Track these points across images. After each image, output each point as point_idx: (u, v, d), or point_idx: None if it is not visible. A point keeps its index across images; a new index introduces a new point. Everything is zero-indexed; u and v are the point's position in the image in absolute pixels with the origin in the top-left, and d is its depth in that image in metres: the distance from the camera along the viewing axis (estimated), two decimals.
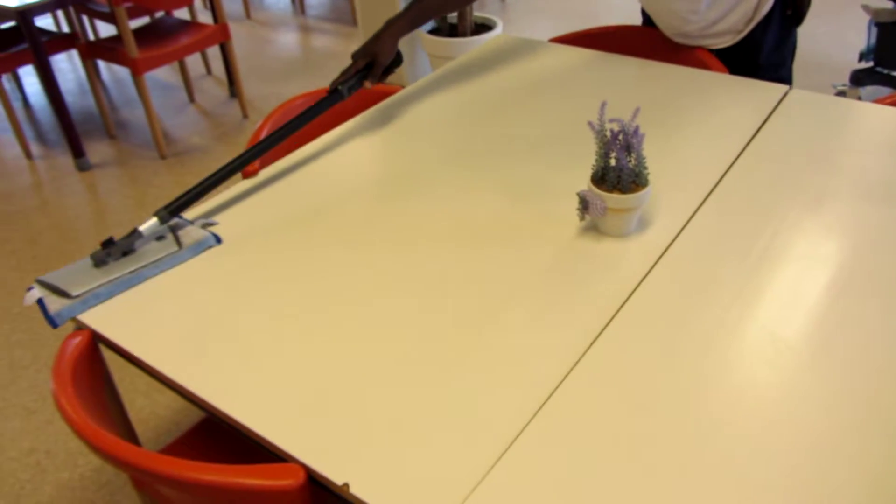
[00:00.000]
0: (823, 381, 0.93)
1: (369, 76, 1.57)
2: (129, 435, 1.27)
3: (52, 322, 1.09)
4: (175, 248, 1.22)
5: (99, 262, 1.18)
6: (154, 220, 1.25)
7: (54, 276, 1.17)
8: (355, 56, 1.57)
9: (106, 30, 4.43)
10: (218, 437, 1.27)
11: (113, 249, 1.19)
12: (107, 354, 1.14)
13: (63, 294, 1.13)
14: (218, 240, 1.26)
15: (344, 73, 1.57)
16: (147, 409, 2.01)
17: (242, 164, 1.38)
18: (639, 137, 1.14)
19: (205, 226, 1.29)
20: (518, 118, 1.60)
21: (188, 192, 1.29)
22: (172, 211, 1.27)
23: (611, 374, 0.96)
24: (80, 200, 3.04)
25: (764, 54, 1.80)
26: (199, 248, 1.24)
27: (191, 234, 1.26)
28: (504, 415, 0.91)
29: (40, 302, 1.12)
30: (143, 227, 1.23)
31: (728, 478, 0.82)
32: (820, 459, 0.83)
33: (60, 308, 1.11)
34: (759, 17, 1.74)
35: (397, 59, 1.61)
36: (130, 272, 1.17)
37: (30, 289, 1.14)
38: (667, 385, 0.94)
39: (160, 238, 1.25)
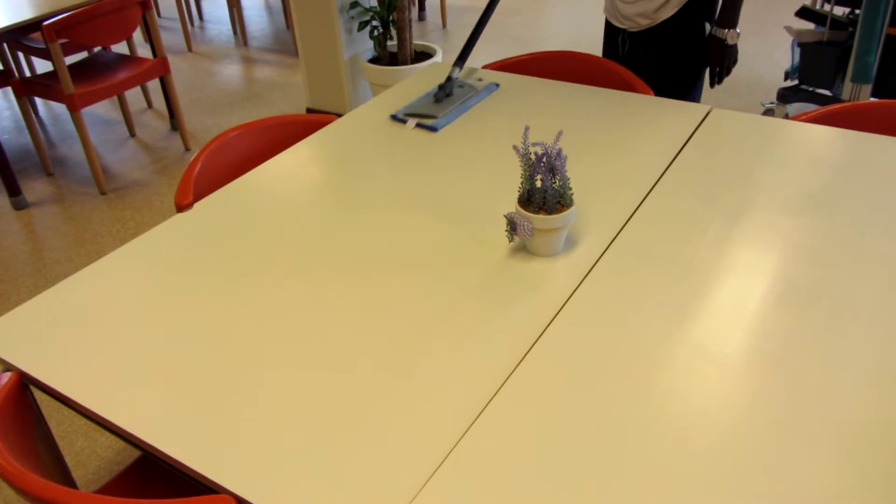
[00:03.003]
0: (747, 388, 0.97)
1: None
2: (64, 477, 1.24)
3: (434, 129, 1.68)
4: (473, 90, 1.83)
5: (438, 99, 1.79)
6: (455, 69, 1.84)
7: (415, 108, 1.77)
8: None
9: (42, 66, 4.36)
10: (154, 473, 1.25)
11: (445, 90, 1.79)
12: (41, 396, 1.12)
13: (431, 117, 1.71)
14: (496, 85, 1.88)
15: None
16: (87, 450, 1.96)
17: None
18: (562, 159, 1.17)
19: (479, 80, 1.91)
20: (448, 143, 1.63)
21: (467, 44, 1.86)
22: (461, 58, 1.84)
23: (539, 389, 0.98)
24: (17, 240, 2.97)
25: (664, 63, 1.97)
26: (489, 91, 1.85)
27: (476, 85, 1.87)
28: (435, 435, 0.92)
29: (419, 124, 1.69)
30: (453, 74, 1.82)
31: (655, 483, 0.84)
32: (744, 466, 0.87)
33: (435, 122, 1.69)
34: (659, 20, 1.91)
35: None
36: (462, 102, 1.78)
37: (402, 121, 1.71)
38: (593, 398, 0.96)
39: (461, 86, 1.85)
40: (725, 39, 1.86)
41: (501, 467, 0.88)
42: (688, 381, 0.98)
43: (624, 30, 2.02)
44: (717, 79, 1.93)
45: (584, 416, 0.94)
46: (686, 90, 2.00)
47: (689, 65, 1.97)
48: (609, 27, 2.10)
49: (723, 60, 1.90)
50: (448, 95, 1.79)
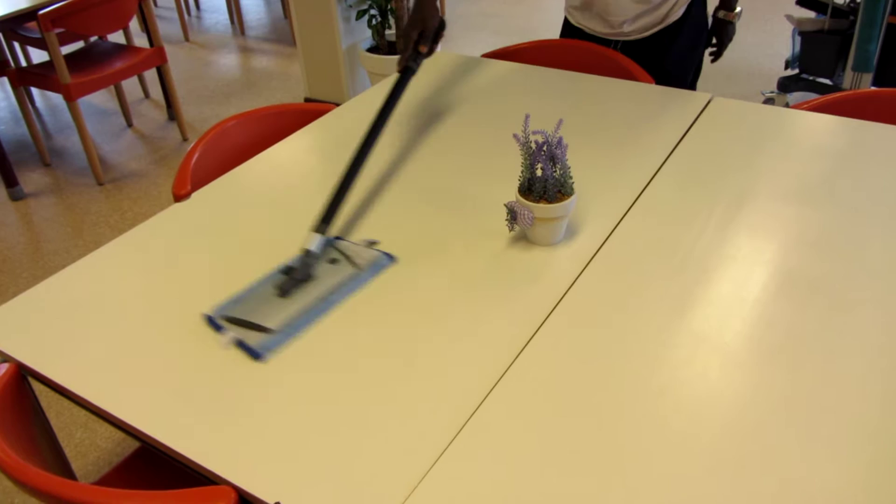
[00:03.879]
0: (748, 377, 0.96)
1: (421, 41, 1.59)
2: (63, 468, 1.24)
3: (258, 356, 1.04)
4: (351, 269, 1.17)
5: (284, 291, 1.13)
6: (317, 236, 1.19)
7: (241, 310, 1.11)
8: (405, 31, 1.59)
9: (38, 56, 4.34)
10: (153, 464, 1.25)
11: (296, 275, 1.14)
12: (40, 387, 1.11)
13: (261, 329, 1.07)
14: (391, 258, 1.21)
15: (402, 51, 1.60)
16: (87, 441, 1.96)
17: (364, 156, 1.37)
18: (562, 148, 1.16)
19: (369, 245, 1.23)
20: (448, 132, 1.62)
21: (333, 202, 1.25)
22: (325, 219, 1.22)
23: (539, 380, 0.97)
24: (14, 231, 2.96)
25: (670, 61, 1.91)
26: (378, 268, 1.18)
27: (361, 255, 1.21)
28: (434, 426, 0.92)
29: (240, 343, 1.06)
30: (312, 247, 1.18)
31: (655, 474, 0.84)
32: (745, 455, 0.86)
33: (262, 341, 1.06)
34: (668, 23, 1.85)
35: (442, 23, 1.63)
36: (320, 299, 1.12)
37: (220, 330, 1.08)
38: (594, 389, 0.96)
39: (333, 261, 1.20)
40: (730, 20, 1.93)
41: (503, 456, 0.87)
42: (689, 371, 0.98)
43: (614, 39, 1.93)
44: (720, 55, 2.00)
45: (585, 406, 0.93)
46: (694, 78, 1.99)
47: (696, 52, 1.94)
48: (587, 38, 1.98)
49: (728, 38, 1.97)
50: (304, 280, 1.16)
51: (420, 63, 1.59)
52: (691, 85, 2.00)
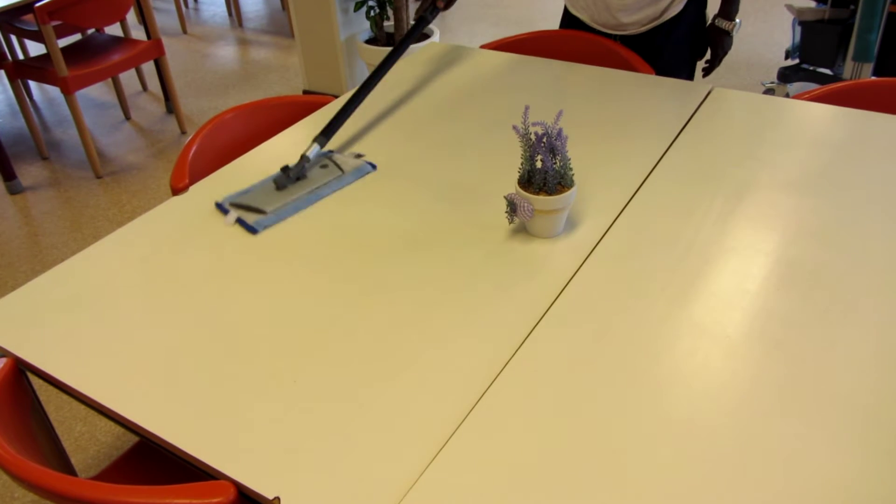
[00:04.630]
0: (750, 369, 0.96)
1: None
2: (62, 463, 1.24)
3: (254, 230, 1.27)
4: (339, 172, 1.39)
5: (280, 185, 1.36)
6: (315, 145, 1.40)
7: (244, 198, 1.35)
8: None
9: (35, 48, 4.32)
10: (152, 459, 1.25)
11: (291, 173, 1.36)
12: (40, 381, 1.11)
13: (258, 211, 1.31)
14: (373, 167, 1.43)
15: (422, 3, 1.75)
16: (86, 435, 1.96)
17: (371, 85, 1.57)
18: (562, 139, 1.16)
19: (356, 157, 1.45)
20: (447, 124, 1.61)
21: (335, 118, 1.45)
22: (325, 133, 1.42)
23: (540, 373, 0.97)
24: (12, 224, 2.95)
25: (665, 58, 1.89)
26: (360, 173, 1.40)
27: (348, 163, 1.42)
28: (434, 420, 0.91)
29: (240, 220, 1.29)
30: (308, 153, 1.39)
31: (656, 466, 0.84)
32: (746, 446, 0.86)
33: (258, 219, 1.28)
34: (666, 17, 1.84)
35: None
36: (309, 192, 1.35)
37: (226, 212, 1.32)
38: (595, 381, 0.95)
39: (323, 166, 1.42)
40: (727, 30, 1.85)
41: (503, 449, 0.87)
42: (690, 362, 0.97)
43: (612, 35, 1.93)
44: (713, 68, 1.92)
45: (586, 397, 0.93)
46: (689, 76, 1.96)
47: (692, 52, 1.92)
48: (585, 27, 1.98)
49: (722, 50, 1.88)
50: (298, 179, 1.39)
51: (435, 15, 1.73)
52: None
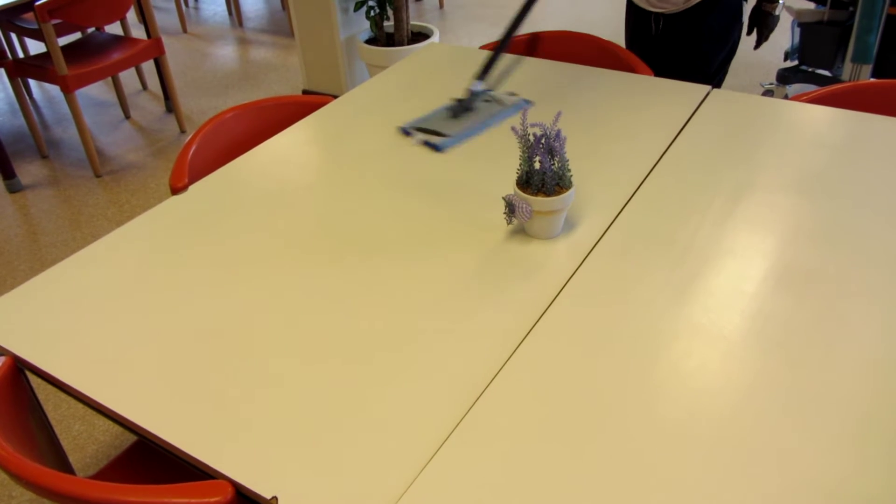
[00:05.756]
0: (748, 369, 0.96)
1: None
2: (60, 462, 1.24)
3: (438, 149, 1.37)
4: (500, 106, 1.50)
5: (455, 113, 1.47)
6: (478, 82, 1.50)
7: (425, 123, 1.44)
8: None
9: (36, 47, 4.32)
10: (150, 458, 1.25)
11: (464, 104, 1.47)
12: (38, 380, 1.11)
13: (440, 135, 1.40)
14: (528, 102, 1.53)
15: None
16: (84, 434, 1.96)
17: (516, 27, 1.58)
18: (561, 141, 1.16)
19: (510, 94, 1.53)
20: None
21: (492, 58, 1.53)
22: (485, 70, 1.51)
23: (538, 373, 0.97)
24: (11, 223, 2.95)
25: (703, 37, 2.01)
26: (518, 107, 1.48)
27: (507, 99, 1.52)
28: (431, 420, 0.92)
29: (426, 142, 1.38)
30: (475, 88, 1.49)
31: (654, 467, 0.84)
32: (745, 447, 0.86)
33: (442, 140, 1.36)
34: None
35: None
36: (482, 120, 1.44)
37: (408, 134, 1.42)
38: (593, 381, 0.96)
39: (486, 101, 1.52)
40: (770, 11, 2.07)
41: (501, 449, 0.87)
42: (688, 363, 0.97)
43: (656, 13, 2.03)
44: (761, 43, 2.13)
45: (584, 398, 0.93)
46: (722, 65, 2.08)
47: (727, 40, 2.03)
48: (636, 10, 2.10)
49: (768, 28, 2.10)
50: (468, 110, 1.55)
51: None
52: (721, 67, 2.08)
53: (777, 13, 2.03)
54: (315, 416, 0.93)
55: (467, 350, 1.02)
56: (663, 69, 2.03)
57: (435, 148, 1.39)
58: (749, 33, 2.11)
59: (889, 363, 0.96)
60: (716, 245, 1.19)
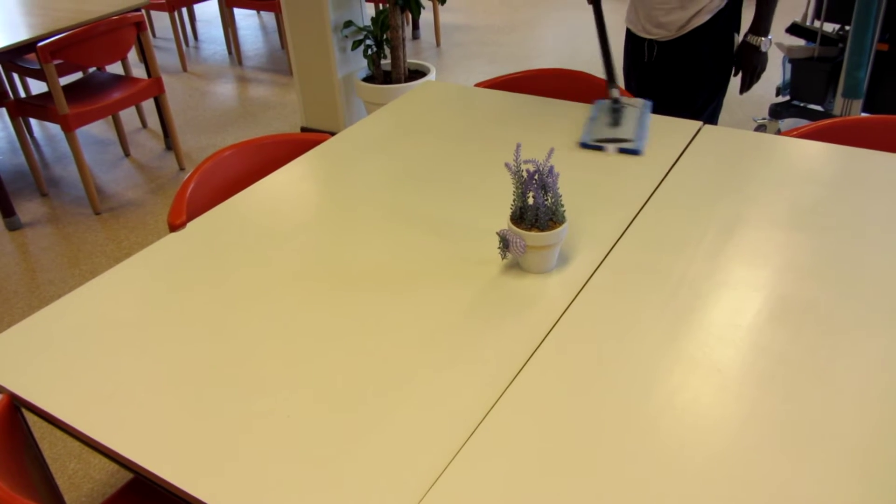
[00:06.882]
0: (742, 403, 0.96)
1: None
2: (55, 501, 1.23)
3: (637, 152, 1.57)
4: (634, 108, 1.69)
5: (616, 121, 1.63)
6: (615, 90, 1.73)
7: (599, 134, 1.63)
8: None
9: (37, 86, 4.37)
10: (146, 496, 1.24)
11: (620, 109, 1.68)
12: (33, 418, 1.11)
13: (622, 141, 1.58)
14: (647, 103, 1.75)
15: None
16: (80, 473, 1.95)
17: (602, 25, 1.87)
18: (553, 177, 1.17)
19: (627, 98, 1.75)
20: (441, 161, 1.63)
21: (611, 64, 1.74)
22: (612, 80, 1.72)
23: (532, 407, 0.98)
24: (10, 260, 2.96)
25: (694, 67, 1.99)
26: (648, 107, 1.71)
27: (636, 102, 1.72)
28: (427, 454, 0.92)
29: (622, 149, 1.57)
30: (614, 95, 1.71)
31: (649, 502, 0.84)
32: (740, 481, 0.86)
33: (632, 146, 1.56)
34: (692, 27, 1.93)
35: None
36: (638, 120, 1.63)
37: (601, 148, 1.60)
38: (587, 416, 0.96)
39: (617, 105, 1.73)
40: (759, 46, 1.92)
41: (495, 487, 0.87)
42: (683, 397, 0.98)
43: (650, 40, 2.03)
44: (747, 85, 2.00)
45: (579, 432, 0.93)
46: (711, 98, 2.04)
47: (718, 73, 2.01)
48: (632, 37, 2.11)
49: (755, 67, 1.96)
50: (618, 112, 1.71)
51: None
52: (713, 96, 2.03)
53: (764, 49, 1.93)
54: (313, 452, 0.93)
55: (462, 384, 1.02)
56: (657, 97, 2.01)
57: (634, 153, 1.56)
58: (735, 74, 2.02)
59: (885, 396, 0.96)
60: (709, 279, 1.20)
